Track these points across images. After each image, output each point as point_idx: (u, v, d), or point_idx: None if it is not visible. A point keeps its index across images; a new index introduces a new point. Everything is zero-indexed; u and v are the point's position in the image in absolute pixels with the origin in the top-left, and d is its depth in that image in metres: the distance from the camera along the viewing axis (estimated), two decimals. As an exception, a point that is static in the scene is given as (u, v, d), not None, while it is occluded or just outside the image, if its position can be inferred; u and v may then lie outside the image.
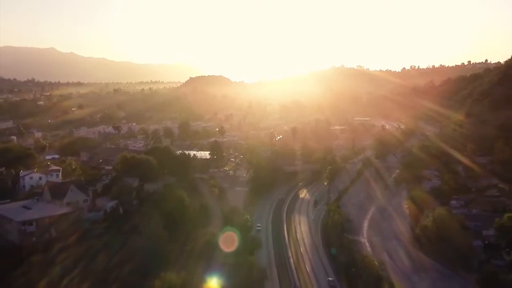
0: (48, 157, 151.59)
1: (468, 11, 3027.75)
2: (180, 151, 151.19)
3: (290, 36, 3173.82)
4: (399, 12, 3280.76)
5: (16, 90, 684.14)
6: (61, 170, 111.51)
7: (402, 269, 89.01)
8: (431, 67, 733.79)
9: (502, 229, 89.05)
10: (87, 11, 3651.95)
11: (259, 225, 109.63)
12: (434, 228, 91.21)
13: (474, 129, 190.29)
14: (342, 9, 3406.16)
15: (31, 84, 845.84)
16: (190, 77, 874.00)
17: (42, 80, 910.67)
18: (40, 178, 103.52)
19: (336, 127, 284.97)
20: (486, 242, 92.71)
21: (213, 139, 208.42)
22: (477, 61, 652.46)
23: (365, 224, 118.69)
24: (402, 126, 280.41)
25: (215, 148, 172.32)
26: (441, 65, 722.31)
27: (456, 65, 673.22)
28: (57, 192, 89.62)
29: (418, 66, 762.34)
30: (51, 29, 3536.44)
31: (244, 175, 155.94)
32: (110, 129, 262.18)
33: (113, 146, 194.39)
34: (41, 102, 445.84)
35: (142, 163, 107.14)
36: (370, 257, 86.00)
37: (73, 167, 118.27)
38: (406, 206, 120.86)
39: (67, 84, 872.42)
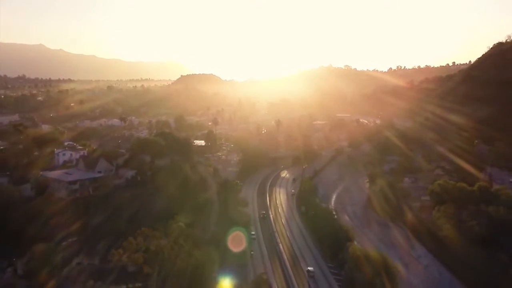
0: (65, 143, 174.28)
1: (454, 14, 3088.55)
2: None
3: (281, 36, 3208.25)
4: (387, 13, 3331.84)
5: (9, 86, 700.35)
6: (86, 149, 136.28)
7: (356, 224, 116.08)
8: (416, 67, 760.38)
9: (433, 193, 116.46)
10: (77, 7, 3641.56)
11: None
12: (381, 192, 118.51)
13: (437, 123, 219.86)
14: (332, 11, 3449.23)
15: (22, 80, 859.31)
16: (182, 75, 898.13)
17: (32, 77, 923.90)
18: (71, 154, 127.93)
19: (318, 122, 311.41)
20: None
21: (206, 131, 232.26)
22: (462, 62, 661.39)
23: (334, 196, 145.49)
24: (378, 121, 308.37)
25: (209, 136, 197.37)
26: (426, 65, 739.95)
27: (441, 66, 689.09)
28: (89, 163, 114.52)
29: (404, 67, 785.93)
30: (39, 25, 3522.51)
31: (235, 159, 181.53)
32: (112, 121, 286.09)
33: (119, 136, 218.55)
34: (40, 98, 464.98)
35: (153, 143, 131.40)
36: (330, 210, 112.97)
37: (94, 147, 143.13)
38: (366, 181, 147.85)
39: (58, 81, 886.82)
